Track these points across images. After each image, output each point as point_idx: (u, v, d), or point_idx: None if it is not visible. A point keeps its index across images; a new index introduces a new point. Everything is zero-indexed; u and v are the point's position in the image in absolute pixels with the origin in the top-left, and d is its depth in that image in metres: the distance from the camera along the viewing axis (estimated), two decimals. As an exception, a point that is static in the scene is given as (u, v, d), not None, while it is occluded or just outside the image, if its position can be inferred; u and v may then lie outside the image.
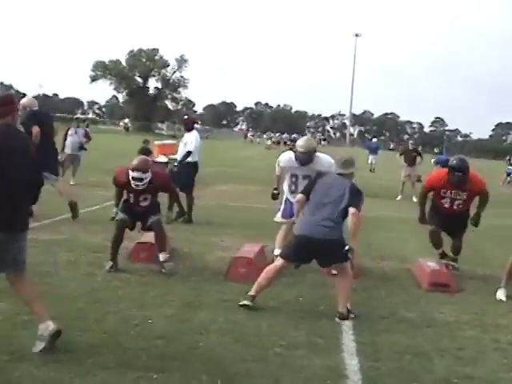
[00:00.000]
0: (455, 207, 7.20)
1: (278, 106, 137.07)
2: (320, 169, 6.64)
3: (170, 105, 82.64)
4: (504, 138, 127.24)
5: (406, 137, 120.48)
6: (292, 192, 6.93)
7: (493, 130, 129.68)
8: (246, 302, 5.23)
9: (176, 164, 10.14)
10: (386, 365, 4.23)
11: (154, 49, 79.29)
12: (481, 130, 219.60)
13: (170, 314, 5.00)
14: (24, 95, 21.93)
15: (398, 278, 6.98)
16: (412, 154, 17.25)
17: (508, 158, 28.73)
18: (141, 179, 6.32)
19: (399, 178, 17.07)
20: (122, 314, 4.91)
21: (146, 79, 78.59)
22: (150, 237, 6.92)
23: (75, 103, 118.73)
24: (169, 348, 4.23)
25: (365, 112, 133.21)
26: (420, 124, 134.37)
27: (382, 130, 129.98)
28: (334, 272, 6.18)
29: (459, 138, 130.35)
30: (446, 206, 7.21)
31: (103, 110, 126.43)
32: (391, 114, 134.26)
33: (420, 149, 19.10)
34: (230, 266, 6.33)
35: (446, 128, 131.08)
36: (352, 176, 5.69)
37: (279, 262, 5.48)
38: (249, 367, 4.01)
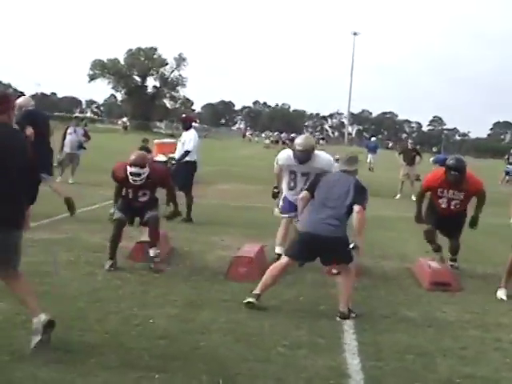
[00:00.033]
0: (452, 207, 7.21)
1: (277, 105, 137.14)
2: (318, 167, 6.70)
3: (168, 103, 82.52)
4: (502, 137, 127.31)
5: (404, 136, 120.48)
6: (291, 189, 6.97)
7: (491, 129, 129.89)
8: (250, 300, 5.21)
9: (174, 163, 10.14)
10: (388, 364, 4.22)
11: (152, 47, 79.12)
12: (479, 129, 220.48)
13: (171, 313, 4.99)
14: (22, 94, 21.89)
15: (399, 277, 6.98)
16: (411, 153, 17.26)
17: (507, 156, 28.70)
18: (139, 174, 6.32)
19: (398, 177, 17.08)
20: (123, 313, 4.90)
21: (144, 78, 78.46)
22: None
23: (73, 102, 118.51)
24: (171, 348, 4.22)
25: (363, 111, 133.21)
26: (418, 123, 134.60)
27: (380, 129, 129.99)
28: (335, 271, 6.17)
29: (457, 137, 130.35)
30: (443, 206, 7.22)
31: (101, 108, 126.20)
32: (389, 113, 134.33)
33: (418, 148, 19.12)
34: (231, 266, 6.32)
35: (444, 127, 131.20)
36: (356, 173, 5.70)
37: (284, 259, 5.47)
38: (251, 367, 4.00)
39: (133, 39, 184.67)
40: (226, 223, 9.84)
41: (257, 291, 5.29)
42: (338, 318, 5.15)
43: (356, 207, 5.26)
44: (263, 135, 76.88)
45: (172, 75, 79.07)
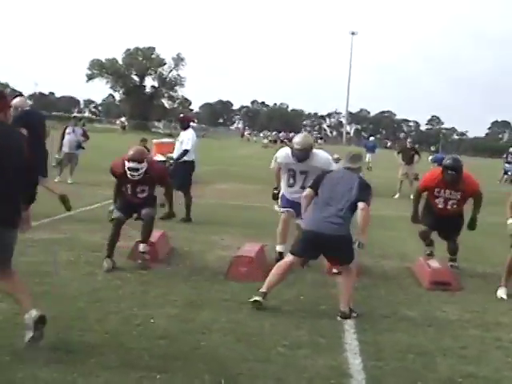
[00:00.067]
0: (449, 207, 7.23)
1: (275, 104, 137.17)
2: (317, 165, 6.73)
3: (166, 103, 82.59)
4: (500, 136, 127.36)
5: (402, 135, 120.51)
6: (290, 186, 7.00)
7: (489, 128, 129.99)
8: (257, 298, 5.21)
9: (172, 162, 10.13)
10: (389, 364, 4.22)
11: (150, 47, 79.20)
12: (477, 129, 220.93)
13: (171, 313, 4.98)
14: (20, 94, 21.85)
15: (399, 276, 6.98)
16: (410, 152, 17.27)
17: (505, 156, 28.72)
18: (136, 169, 6.36)
19: (397, 176, 17.07)
20: (124, 313, 4.89)
21: (142, 78, 78.48)
22: (149, 236, 6.90)
23: (71, 102, 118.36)
24: (171, 348, 4.21)
25: (361, 110, 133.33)
26: (416, 122, 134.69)
27: (378, 128, 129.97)
28: (335, 271, 6.18)
29: (455, 137, 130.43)
30: (440, 206, 7.24)
31: (99, 108, 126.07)
32: (387, 112, 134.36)
33: (417, 147, 19.13)
34: (231, 265, 6.31)
35: (443, 126, 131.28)
36: (360, 170, 5.71)
37: (289, 257, 5.47)
38: (251, 367, 4.00)
39: (131, 39, 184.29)
40: (224, 223, 9.84)
41: (263, 289, 5.28)
42: (338, 318, 5.15)
43: (360, 204, 5.26)
44: (261, 135, 76.82)
45: (170, 75, 79.19)
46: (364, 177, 5.69)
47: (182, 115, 11.36)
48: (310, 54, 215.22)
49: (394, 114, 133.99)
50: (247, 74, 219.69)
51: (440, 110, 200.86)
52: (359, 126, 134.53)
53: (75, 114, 23.56)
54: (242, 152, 39.55)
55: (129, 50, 78.61)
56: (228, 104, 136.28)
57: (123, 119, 66.91)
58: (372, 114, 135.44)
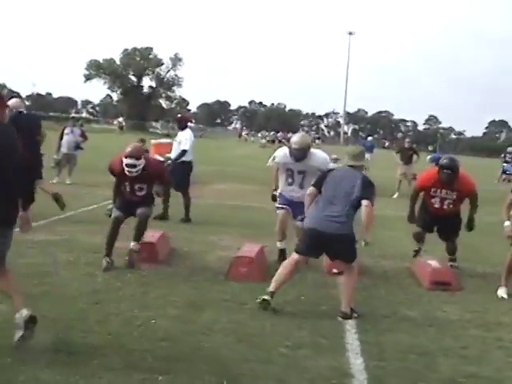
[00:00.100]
0: (445, 207, 7.24)
1: (272, 104, 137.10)
2: (314, 164, 6.79)
3: (164, 103, 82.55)
4: (497, 135, 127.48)
5: (399, 135, 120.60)
6: (289, 184, 7.03)
7: (486, 127, 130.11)
8: (266, 297, 5.20)
9: (169, 163, 10.13)
10: (391, 364, 4.21)
11: (148, 47, 79.11)
12: (474, 128, 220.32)
13: (172, 314, 4.97)
14: (17, 94, 21.77)
15: (399, 276, 6.99)
16: (408, 152, 17.29)
17: (503, 155, 28.77)
18: (134, 165, 6.38)
19: (395, 176, 17.08)
20: (124, 315, 4.88)
21: (140, 78, 78.37)
22: (149, 236, 6.90)
23: (69, 102, 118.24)
24: (173, 349, 4.21)
25: (359, 110, 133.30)
26: (414, 122, 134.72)
27: (375, 128, 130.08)
28: (335, 271, 6.18)
29: (453, 136, 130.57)
30: (436, 205, 7.26)
31: (97, 109, 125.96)
32: (385, 112, 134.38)
33: (415, 147, 19.15)
34: (231, 266, 6.30)
35: (440, 126, 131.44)
36: (363, 168, 5.70)
37: (295, 256, 5.47)
38: (253, 367, 3.99)
39: (128, 39, 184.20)
40: (223, 223, 9.84)
41: (271, 289, 5.28)
42: (339, 319, 5.15)
43: (364, 202, 5.26)
44: (259, 135, 76.79)
45: (168, 75, 79.08)
46: (367, 174, 5.68)
47: (179, 115, 11.40)
48: (308, 54, 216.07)
49: (392, 114, 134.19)
50: (245, 74, 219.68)
51: (437, 110, 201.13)
52: (357, 126, 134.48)
53: (73, 115, 23.49)
54: (239, 152, 39.53)
55: (126, 50, 78.55)
56: (225, 104, 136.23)
57: (121, 119, 66.81)
58: (369, 113, 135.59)
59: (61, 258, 6.55)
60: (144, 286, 5.76)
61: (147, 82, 79.81)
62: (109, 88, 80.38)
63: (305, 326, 4.91)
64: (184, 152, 9.92)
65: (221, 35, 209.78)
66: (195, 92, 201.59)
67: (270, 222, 7.56)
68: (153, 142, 16.72)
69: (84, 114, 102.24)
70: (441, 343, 4.76)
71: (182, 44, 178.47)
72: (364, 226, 5.31)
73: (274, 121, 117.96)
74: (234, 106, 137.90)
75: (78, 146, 14.92)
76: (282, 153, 7.12)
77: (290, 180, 7.01)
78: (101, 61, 76.99)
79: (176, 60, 78.13)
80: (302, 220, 6.77)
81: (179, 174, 9.79)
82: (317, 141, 56.07)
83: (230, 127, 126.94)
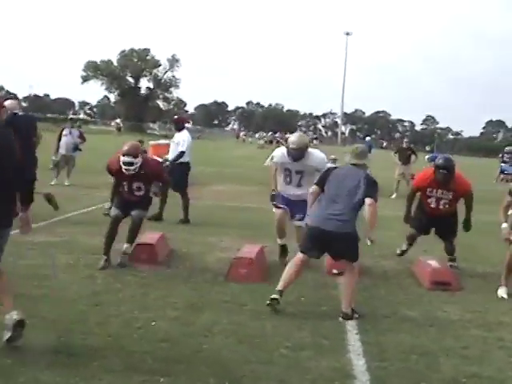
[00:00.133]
0: (441, 207, 7.24)
1: (270, 105, 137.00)
2: (312, 164, 6.82)
3: (161, 105, 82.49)
4: (494, 135, 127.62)
5: (397, 135, 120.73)
6: (286, 184, 7.04)
7: (483, 127, 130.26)
8: (275, 296, 5.18)
9: (167, 164, 10.12)
10: (393, 365, 4.20)
11: (145, 49, 79.08)
12: (472, 128, 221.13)
13: (172, 316, 4.95)
14: (15, 96, 21.74)
15: (399, 276, 6.97)
16: (406, 152, 17.31)
17: (501, 155, 28.80)
18: (131, 163, 6.38)
19: (393, 176, 17.08)
20: (124, 316, 4.86)
21: (137, 79, 78.35)
22: (149, 238, 6.89)
23: (66, 104, 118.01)
24: (173, 351, 4.19)
25: (356, 111, 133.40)
26: (411, 122, 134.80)
27: (373, 128, 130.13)
28: (335, 271, 6.17)
29: (450, 136, 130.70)
30: (432, 205, 7.27)
31: (94, 110, 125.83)
32: (382, 112, 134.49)
33: (413, 147, 19.17)
34: (231, 267, 6.28)
35: (437, 126, 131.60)
36: (365, 166, 5.68)
37: (299, 255, 5.46)
38: (254, 369, 3.97)
39: (126, 40, 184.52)
40: (222, 224, 9.82)
41: (279, 288, 5.26)
42: (340, 319, 5.13)
43: (368, 200, 5.24)
44: (257, 136, 76.81)
45: (165, 76, 79.11)
46: (371, 173, 5.67)
47: (176, 116, 11.39)
48: (306, 55, 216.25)
49: (389, 114, 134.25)
50: (242, 74, 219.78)
51: (435, 110, 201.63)
52: (354, 127, 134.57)
53: (71, 116, 23.35)
54: (237, 153, 39.52)
55: (124, 51, 78.53)
56: (223, 105, 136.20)
57: (118, 121, 66.76)
58: (367, 114, 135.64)
59: (60, 260, 6.54)
60: (144, 288, 5.74)
61: (145, 84, 79.93)
62: (106, 89, 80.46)
63: (306, 327, 4.89)
64: (182, 153, 9.92)
65: (218, 36, 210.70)
66: (192, 93, 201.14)
67: (268, 223, 7.55)
68: (151, 143, 16.74)
69: (81, 116, 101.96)
70: (442, 343, 4.74)
71: (179, 45, 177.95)
72: (368, 225, 5.29)
73: (271, 121, 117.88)
74: (231, 107, 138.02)
75: (76, 148, 14.90)
76: (280, 153, 7.13)
77: (287, 180, 7.03)
78: (98, 62, 77.02)
79: (173, 61, 78.19)
80: (300, 219, 6.78)
81: (177, 174, 9.78)
82: (314, 141, 56.17)
83: (228, 128, 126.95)
